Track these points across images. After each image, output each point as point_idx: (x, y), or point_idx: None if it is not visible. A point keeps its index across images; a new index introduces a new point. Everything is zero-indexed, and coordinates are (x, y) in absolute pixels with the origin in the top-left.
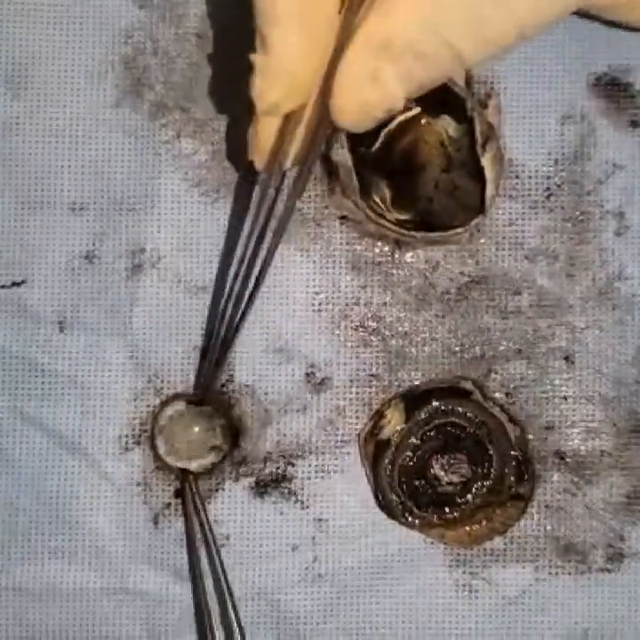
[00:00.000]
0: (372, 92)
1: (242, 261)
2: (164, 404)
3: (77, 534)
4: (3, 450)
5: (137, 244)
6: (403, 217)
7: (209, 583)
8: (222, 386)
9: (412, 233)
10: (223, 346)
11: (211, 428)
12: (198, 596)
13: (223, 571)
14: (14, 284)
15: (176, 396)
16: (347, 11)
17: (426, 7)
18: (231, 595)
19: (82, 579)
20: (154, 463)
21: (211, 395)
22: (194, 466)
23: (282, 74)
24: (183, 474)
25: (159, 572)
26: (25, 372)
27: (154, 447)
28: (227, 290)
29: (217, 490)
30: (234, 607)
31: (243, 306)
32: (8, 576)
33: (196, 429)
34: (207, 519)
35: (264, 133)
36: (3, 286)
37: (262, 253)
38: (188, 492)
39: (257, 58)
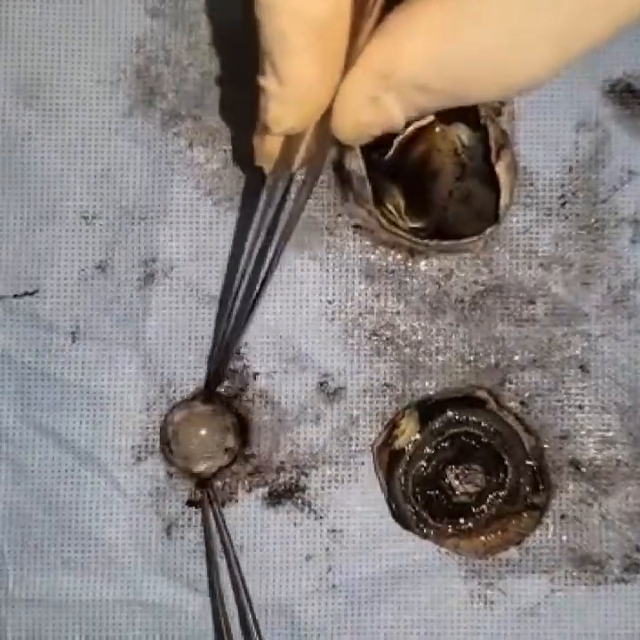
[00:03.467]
0: (370, 114)
1: (255, 270)
2: (176, 407)
3: (90, 545)
4: (15, 460)
5: (149, 253)
6: (416, 225)
7: (223, 593)
8: (235, 395)
9: (426, 241)
10: (231, 336)
11: (222, 428)
12: (215, 605)
13: (242, 578)
14: (27, 293)
15: (186, 400)
16: (352, 31)
17: (429, 44)
18: (251, 605)
19: (95, 590)
20: (167, 468)
21: (217, 388)
22: (204, 467)
23: (297, 102)
24: (199, 480)
25: (172, 583)
26: (37, 381)
27: (167, 451)
28: (240, 299)
29: (230, 500)
30: (254, 617)
31: (250, 303)
32: (21, 587)
33: (205, 432)
34: (225, 525)
35: (272, 143)
36: (15, 296)
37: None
38: (206, 497)
39: (268, 83)
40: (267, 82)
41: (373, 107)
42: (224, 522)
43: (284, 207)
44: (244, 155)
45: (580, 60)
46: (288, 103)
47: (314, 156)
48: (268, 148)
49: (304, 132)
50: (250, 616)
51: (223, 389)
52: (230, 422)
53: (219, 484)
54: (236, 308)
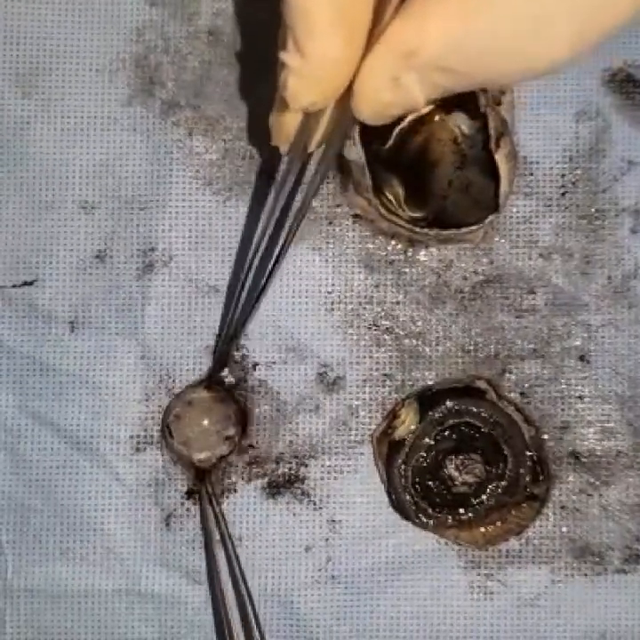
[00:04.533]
0: (391, 94)
1: (255, 260)
2: (180, 392)
3: (89, 536)
4: (14, 450)
5: (148, 243)
6: (416, 215)
7: (222, 584)
8: (236, 384)
9: (426, 231)
10: (237, 325)
11: (223, 416)
12: (214, 596)
13: (241, 570)
14: (25, 283)
15: (191, 385)
16: (376, 8)
17: (454, 25)
18: (250, 596)
19: (93, 580)
20: (165, 457)
21: (220, 374)
22: (203, 456)
23: (319, 78)
24: (198, 471)
25: (171, 574)
26: (36, 371)
27: (167, 436)
28: (239, 288)
29: (229, 491)
30: (253, 608)
31: (256, 293)
32: (20, 577)
33: (206, 420)
34: (223, 516)
35: (289, 121)
36: (14, 286)
37: (275, 251)
38: (203, 488)
39: (290, 59)
40: (288, 57)
41: (395, 86)
42: (222, 513)
43: (297, 190)
44: (243, 144)
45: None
46: (309, 78)
47: (331, 135)
48: (286, 127)
49: (322, 111)
50: (249, 607)
51: (224, 379)
52: (232, 411)
53: (217, 474)
54: (242, 297)
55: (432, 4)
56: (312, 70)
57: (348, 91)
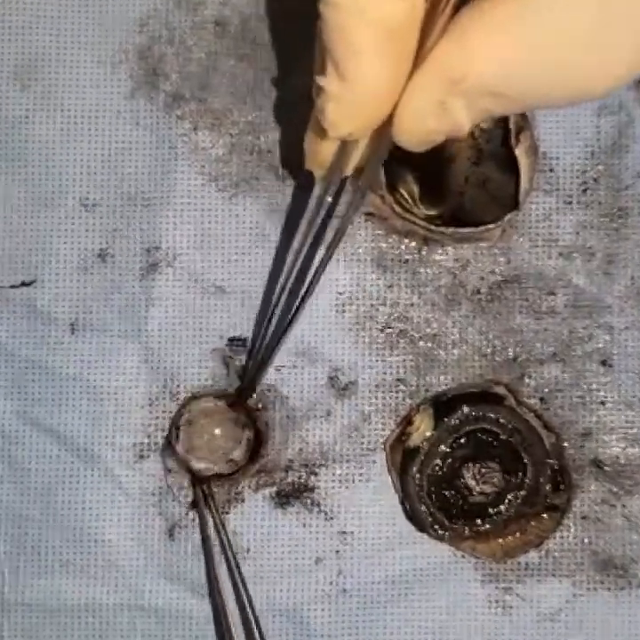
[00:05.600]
0: (436, 120)
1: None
2: (201, 395)
3: (90, 547)
4: (11, 457)
5: (152, 241)
6: (431, 213)
7: (228, 598)
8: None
9: (442, 229)
10: (268, 347)
11: (234, 437)
12: (217, 611)
13: (243, 582)
14: (24, 283)
15: (214, 395)
16: (422, 31)
17: (506, 48)
18: (253, 610)
19: (94, 594)
20: (169, 460)
21: (247, 397)
22: (202, 466)
23: (361, 105)
24: (198, 479)
25: (175, 587)
26: (35, 375)
27: (174, 439)
28: (272, 306)
29: (236, 500)
30: (257, 624)
31: (293, 310)
32: (17, 591)
33: (219, 432)
34: (223, 527)
35: (325, 148)
36: (12, 286)
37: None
38: (202, 498)
39: (329, 84)
40: (327, 82)
41: (440, 112)
42: (222, 523)
43: (333, 211)
44: (251, 139)
45: None
46: (350, 106)
47: (369, 161)
48: (322, 154)
49: (361, 138)
50: (253, 622)
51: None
52: (245, 437)
53: (222, 483)
54: (276, 314)
55: (478, 27)
56: (354, 97)
57: (390, 117)
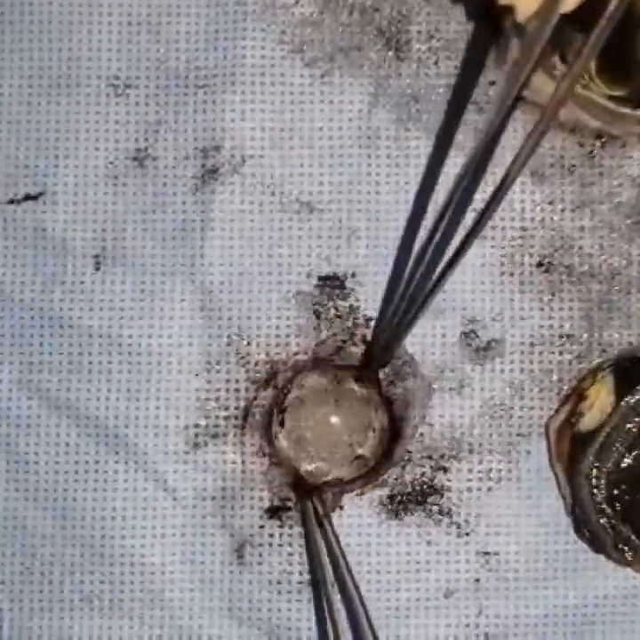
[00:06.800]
0: None
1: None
2: (313, 364)
3: (123, 574)
4: (12, 448)
5: (210, 137)
6: (613, 93)
7: None
8: (338, 349)
9: (627, 110)
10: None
11: (362, 425)
12: None
13: (372, 627)
14: (28, 197)
15: (333, 363)
16: None
17: None
18: None
19: (131, 639)
20: (263, 457)
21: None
22: (312, 468)
23: None
24: (299, 484)
25: (245, 629)
26: (44, 329)
27: (276, 425)
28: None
29: (333, 508)
30: None
31: (439, 271)
32: (21, 635)
33: (337, 420)
34: (344, 557)
35: None
36: (11, 201)
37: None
38: (309, 510)
39: None
40: None
41: None
42: (339, 545)
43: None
44: None
45: None
46: None
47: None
48: None
49: None
50: None
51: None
52: (379, 423)
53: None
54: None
55: None
56: None
57: None
